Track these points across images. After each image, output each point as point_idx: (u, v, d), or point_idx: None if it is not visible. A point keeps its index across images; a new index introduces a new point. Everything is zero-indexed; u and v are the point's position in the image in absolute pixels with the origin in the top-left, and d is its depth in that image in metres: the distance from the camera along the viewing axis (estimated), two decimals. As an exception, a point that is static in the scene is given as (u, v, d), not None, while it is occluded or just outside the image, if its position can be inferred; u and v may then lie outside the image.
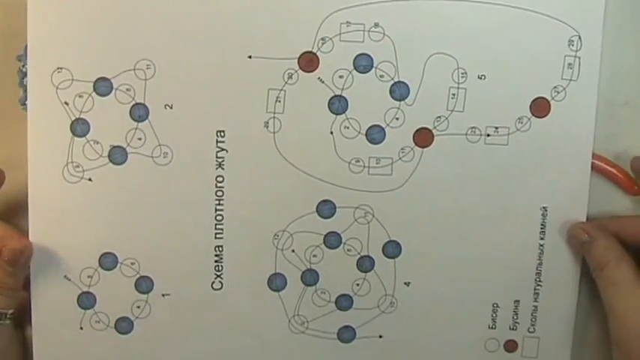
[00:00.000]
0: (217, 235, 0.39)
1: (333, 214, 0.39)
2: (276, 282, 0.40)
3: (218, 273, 0.39)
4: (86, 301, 0.39)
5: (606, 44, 0.39)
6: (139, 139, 0.38)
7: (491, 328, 0.41)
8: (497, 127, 0.39)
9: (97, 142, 0.38)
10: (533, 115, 0.39)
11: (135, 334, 0.39)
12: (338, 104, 0.38)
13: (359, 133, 0.39)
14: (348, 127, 0.39)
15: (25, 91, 0.38)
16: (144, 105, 0.38)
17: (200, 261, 0.39)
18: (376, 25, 0.38)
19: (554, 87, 0.39)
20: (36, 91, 0.37)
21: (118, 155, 0.38)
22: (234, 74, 0.38)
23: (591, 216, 0.40)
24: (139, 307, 0.39)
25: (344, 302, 0.40)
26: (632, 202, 0.41)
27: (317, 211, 0.39)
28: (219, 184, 0.39)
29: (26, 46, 0.37)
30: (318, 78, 0.38)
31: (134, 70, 0.37)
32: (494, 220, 0.40)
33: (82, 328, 0.39)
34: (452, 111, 0.39)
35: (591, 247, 0.38)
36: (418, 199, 0.39)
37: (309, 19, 0.38)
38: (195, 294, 0.39)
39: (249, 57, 0.38)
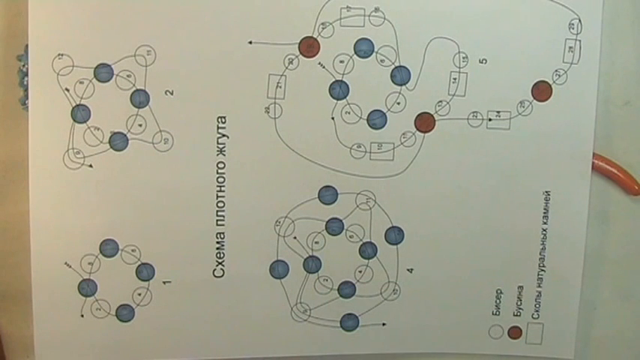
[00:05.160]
0: (219, 222, 0.39)
1: (334, 200, 0.39)
2: (278, 269, 0.40)
3: (219, 260, 0.39)
4: (87, 288, 0.39)
5: (606, 44, 0.39)
6: (140, 125, 0.38)
7: (495, 314, 0.41)
8: (498, 112, 0.39)
9: (98, 129, 0.38)
10: (534, 99, 0.39)
11: (136, 322, 0.39)
12: (339, 89, 0.38)
13: (360, 118, 0.39)
14: (349, 113, 0.39)
15: (26, 90, 0.38)
16: (144, 91, 0.37)
17: (201, 248, 0.39)
18: (376, 9, 0.38)
19: (556, 70, 0.39)
20: (37, 78, 0.37)
21: (118, 141, 0.38)
22: (235, 60, 0.38)
23: (592, 213, 0.40)
24: (139, 294, 0.39)
25: (346, 290, 0.40)
26: (632, 202, 0.41)
27: (319, 197, 0.39)
28: (220, 171, 0.38)
29: (26, 46, 0.37)
30: (319, 63, 0.38)
31: (134, 56, 0.37)
32: (497, 205, 0.40)
33: (82, 316, 0.39)
34: (453, 95, 0.39)
35: None
36: (420, 184, 0.39)
37: (309, 4, 0.38)
38: (196, 281, 0.39)
39: (250, 42, 0.38)
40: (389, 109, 0.39)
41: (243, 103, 0.38)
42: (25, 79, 0.38)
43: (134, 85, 0.37)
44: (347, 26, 0.38)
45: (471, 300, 0.41)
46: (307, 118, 0.38)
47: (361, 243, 0.40)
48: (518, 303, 0.41)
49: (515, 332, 0.41)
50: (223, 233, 0.39)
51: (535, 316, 0.41)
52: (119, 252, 0.38)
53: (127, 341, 0.39)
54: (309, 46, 0.38)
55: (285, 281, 0.40)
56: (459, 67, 0.38)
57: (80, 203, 0.38)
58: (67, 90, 0.37)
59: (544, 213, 0.40)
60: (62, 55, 0.37)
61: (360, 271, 0.40)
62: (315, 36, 0.38)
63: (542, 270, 0.40)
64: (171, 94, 0.38)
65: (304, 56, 0.38)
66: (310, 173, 0.39)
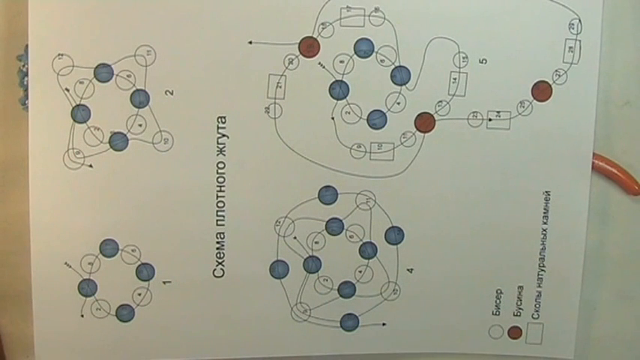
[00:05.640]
0: (219, 222, 0.39)
1: (334, 200, 0.39)
2: (278, 269, 0.40)
3: (219, 260, 0.39)
4: (87, 288, 0.39)
5: (606, 44, 0.39)
6: (140, 125, 0.38)
7: (495, 314, 0.41)
8: (498, 112, 0.39)
9: (98, 129, 0.38)
10: (534, 99, 0.39)
11: (136, 322, 0.39)
12: (339, 89, 0.38)
13: (360, 118, 0.39)
14: (349, 113, 0.39)
15: (26, 90, 0.38)
16: (144, 91, 0.37)
17: (201, 248, 0.39)
18: (376, 9, 0.38)
19: (556, 70, 0.39)
20: (37, 78, 0.37)
21: (118, 141, 0.38)
22: (235, 60, 0.38)
23: (592, 213, 0.40)
24: (139, 294, 0.39)
25: (346, 290, 0.40)
26: (632, 202, 0.41)
27: (319, 197, 0.39)
28: (220, 171, 0.38)
29: (26, 46, 0.37)
30: (319, 63, 0.38)
31: (134, 56, 0.37)
32: (497, 205, 0.40)
33: (82, 316, 0.39)
34: (453, 95, 0.39)
35: None
36: (420, 184, 0.39)
37: (309, 4, 0.38)
38: (196, 281, 0.39)
39: (250, 42, 0.38)
40: (389, 109, 0.39)
41: (243, 103, 0.38)
42: (25, 79, 0.38)
43: (134, 85, 0.37)
44: (347, 26, 0.38)
45: (471, 300, 0.41)
46: (307, 118, 0.38)
47: (361, 243, 0.40)
48: (518, 303, 0.41)
49: (515, 332, 0.41)
50: (223, 233, 0.39)
51: (535, 316, 0.41)
52: (119, 252, 0.38)
53: (127, 341, 0.39)
54: (309, 46, 0.38)
55: (285, 281, 0.40)
56: (459, 67, 0.38)
57: (80, 203, 0.38)
58: (67, 90, 0.37)
59: (544, 213, 0.40)
60: (62, 55, 0.37)
61: (360, 271, 0.40)
62: (315, 36, 0.38)
63: (542, 270, 0.40)
64: (171, 94, 0.38)
65: (304, 56, 0.38)
66: (310, 173, 0.39)
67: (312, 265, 0.40)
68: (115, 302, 0.39)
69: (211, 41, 0.37)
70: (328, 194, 0.39)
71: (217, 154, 0.38)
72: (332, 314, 0.40)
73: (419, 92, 0.38)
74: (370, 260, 0.40)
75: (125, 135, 0.38)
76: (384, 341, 0.41)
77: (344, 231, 0.40)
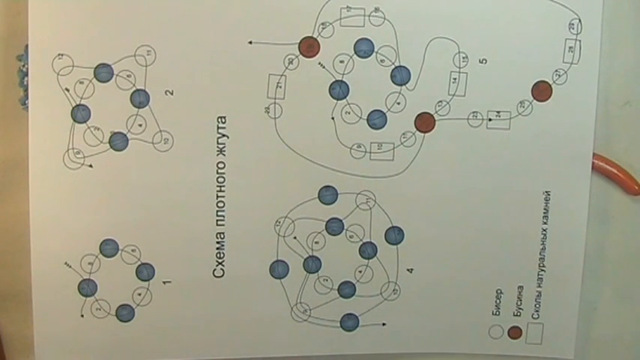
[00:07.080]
0: (219, 222, 0.39)
1: (334, 200, 0.39)
2: (278, 269, 0.40)
3: (219, 260, 0.39)
4: (87, 288, 0.39)
5: (606, 44, 0.39)
6: (140, 125, 0.38)
7: (495, 314, 0.41)
8: (498, 112, 0.39)
9: (98, 129, 0.38)
10: (534, 99, 0.39)
11: (136, 322, 0.39)
12: (339, 89, 0.38)
13: (360, 118, 0.39)
14: (349, 113, 0.39)
15: (26, 90, 0.38)
16: (144, 91, 0.37)
17: (201, 248, 0.39)
18: (376, 9, 0.38)
19: (556, 70, 0.39)
20: (37, 78, 0.37)
21: (118, 141, 0.38)
22: (235, 60, 0.38)
23: (592, 213, 0.40)
24: (139, 294, 0.39)
25: (346, 290, 0.40)
26: (632, 202, 0.41)
27: (319, 197, 0.39)
28: (220, 171, 0.38)
29: (26, 46, 0.37)
30: (319, 63, 0.38)
31: (134, 56, 0.37)
32: (497, 206, 0.40)
33: (82, 316, 0.39)
34: (453, 95, 0.39)
35: None
36: (420, 184, 0.39)
37: (309, 4, 0.38)
38: (196, 281, 0.39)
39: (250, 42, 0.38)
40: (389, 109, 0.39)
41: (243, 103, 0.38)
42: (25, 79, 0.38)
43: (134, 85, 0.37)
44: (347, 26, 0.38)
45: (471, 300, 0.41)
46: (307, 118, 0.38)
47: (361, 243, 0.40)
48: (518, 303, 0.41)
49: (515, 332, 0.41)
50: (223, 233, 0.39)
51: (535, 316, 0.41)
52: (119, 252, 0.38)
53: (127, 341, 0.39)
54: (309, 46, 0.38)
55: (285, 281, 0.40)
56: (459, 67, 0.38)
57: (80, 203, 0.38)
58: (67, 90, 0.37)
59: (544, 213, 0.40)
60: (62, 55, 0.37)
61: (360, 271, 0.40)
62: (315, 36, 0.38)
63: (542, 270, 0.40)
64: (171, 94, 0.38)
65: (304, 56, 0.38)
66: (310, 173, 0.39)
67: (312, 265, 0.40)
68: (115, 302, 0.39)
69: (211, 41, 0.37)
70: (328, 194, 0.39)
71: (217, 154, 0.38)
72: (332, 314, 0.40)
73: (419, 92, 0.38)
74: (370, 260, 0.40)
75: (125, 135, 0.38)
76: (384, 341, 0.41)
77: (344, 231, 0.40)
